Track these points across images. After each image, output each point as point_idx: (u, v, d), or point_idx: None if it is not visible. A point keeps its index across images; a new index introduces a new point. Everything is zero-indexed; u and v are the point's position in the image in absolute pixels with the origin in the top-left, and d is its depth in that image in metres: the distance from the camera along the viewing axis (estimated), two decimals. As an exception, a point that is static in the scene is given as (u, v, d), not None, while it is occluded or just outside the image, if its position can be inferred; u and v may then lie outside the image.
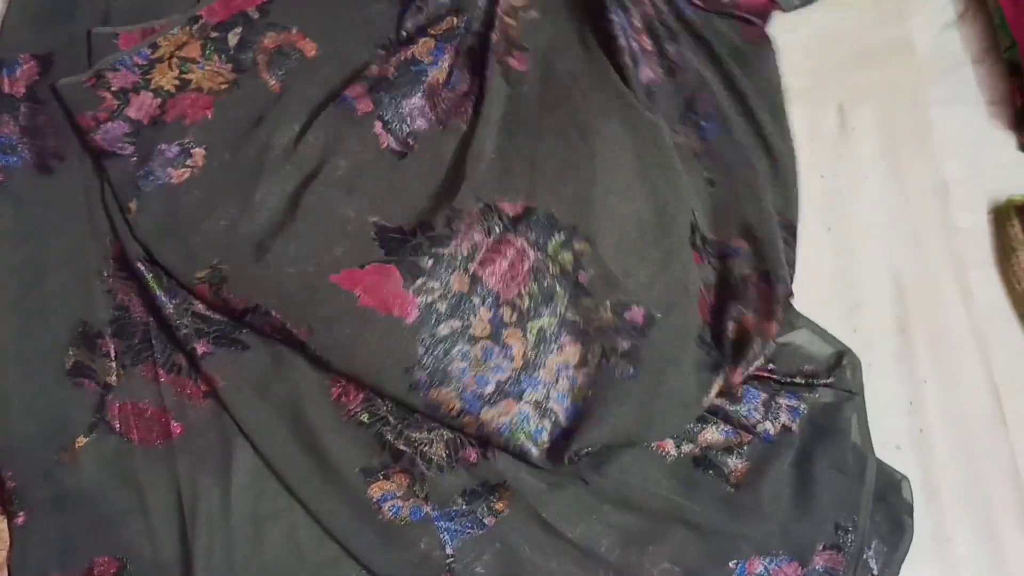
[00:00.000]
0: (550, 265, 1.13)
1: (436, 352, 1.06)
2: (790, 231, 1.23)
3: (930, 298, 1.29)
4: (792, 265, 1.20)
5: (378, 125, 1.18)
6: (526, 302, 1.11)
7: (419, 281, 1.08)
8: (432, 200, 1.15)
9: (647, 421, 1.07)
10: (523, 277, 1.12)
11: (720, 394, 1.12)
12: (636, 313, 1.12)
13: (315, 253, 1.10)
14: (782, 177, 1.25)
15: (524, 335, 1.10)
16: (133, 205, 1.11)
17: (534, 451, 1.06)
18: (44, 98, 1.17)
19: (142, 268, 1.09)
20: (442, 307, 1.08)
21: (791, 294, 1.16)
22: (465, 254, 1.11)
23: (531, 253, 1.12)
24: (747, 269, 1.17)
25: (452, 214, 1.12)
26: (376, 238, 1.12)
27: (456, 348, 1.07)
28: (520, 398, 1.07)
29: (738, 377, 1.11)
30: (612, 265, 1.13)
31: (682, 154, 1.22)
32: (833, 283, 1.29)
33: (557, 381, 1.09)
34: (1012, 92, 1.43)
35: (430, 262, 1.09)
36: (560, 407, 1.08)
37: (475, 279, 1.11)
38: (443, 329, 1.08)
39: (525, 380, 1.08)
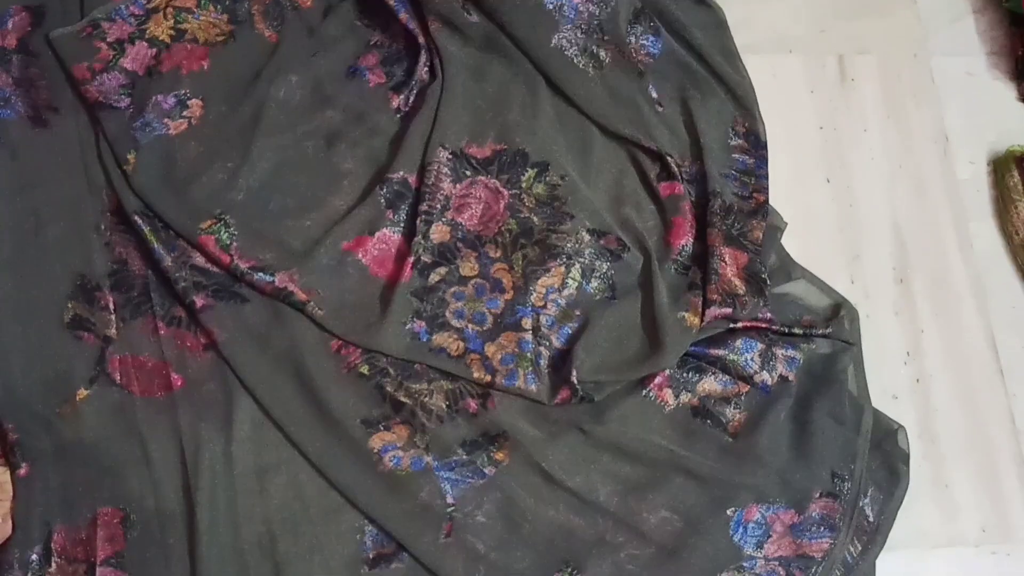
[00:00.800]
0: (525, 198, 1.15)
1: (431, 300, 1.09)
2: (753, 141, 1.25)
3: (929, 248, 1.30)
4: (765, 178, 1.23)
5: (391, 93, 1.19)
6: (507, 237, 1.14)
7: (414, 240, 1.10)
8: (421, 151, 1.16)
9: (633, 340, 1.11)
10: (500, 215, 1.15)
11: (716, 344, 1.13)
12: (610, 240, 1.15)
13: (315, 205, 1.11)
14: (733, 93, 1.27)
15: (511, 268, 1.12)
16: (132, 157, 1.10)
17: (534, 387, 1.07)
18: (37, 50, 1.16)
19: (140, 221, 1.09)
20: (427, 259, 1.10)
21: (764, 206, 1.21)
22: (439, 207, 1.12)
23: (504, 191, 1.15)
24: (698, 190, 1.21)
25: (425, 167, 1.14)
26: (375, 189, 1.13)
27: (450, 290, 1.10)
28: (517, 327, 1.09)
29: (712, 293, 1.12)
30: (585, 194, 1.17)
31: (628, 75, 1.23)
32: (833, 234, 1.30)
33: (545, 305, 1.11)
34: (1013, 43, 1.42)
35: (419, 221, 1.11)
36: (552, 331, 1.10)
37: (455, 226, 1.13)
38: (433, 277, 1.10)
39: (520, 309, 1.10)
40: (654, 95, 1.25)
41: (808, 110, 1.35)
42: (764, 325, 1.15)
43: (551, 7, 1.20)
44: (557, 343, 1.10)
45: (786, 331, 1.16)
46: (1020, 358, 1.25)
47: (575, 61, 1.21)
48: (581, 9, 1.21)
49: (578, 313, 1.12)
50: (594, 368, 1.08)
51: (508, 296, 1.11)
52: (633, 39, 1.24)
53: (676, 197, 1.19)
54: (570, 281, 1.12)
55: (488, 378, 1.07)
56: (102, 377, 1.06)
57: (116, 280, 1.09)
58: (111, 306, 1.08)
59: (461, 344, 1.08)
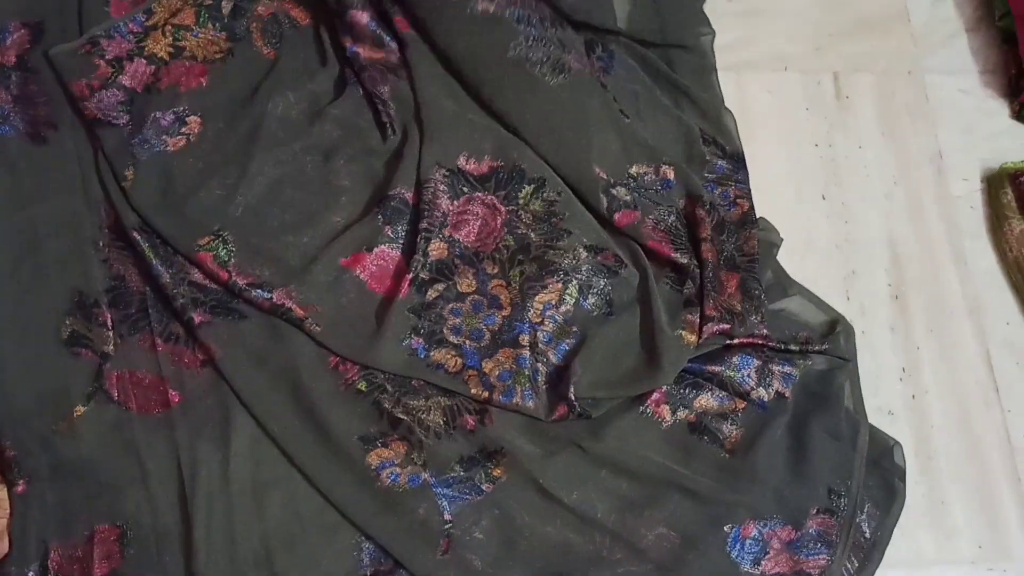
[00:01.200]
0: (522, 215, 1.15)
1: (429, 316, 1.09)
2: (731, 156, 1.26)
3: (925, 266, 1.30)
4: (745, 183, 1.24)
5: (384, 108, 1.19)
6: (505, 253, 1.14)
7: (413, 258, 1.10)
8: (417, 168, 1.16)
9: (631, 357, 1.11)
10: (498, 232, 1.15)
11: (713, 360, 1.14)
12: (607, 256, 1.15)
13: (313, 221, 1.12)
14: (704, 112, 1.29)
15: (508, 284, 1.12)
16: (130, 173, 1.10)
17: (531, 403, 1.07)
18: (36, 66, 1.16)
19: (138, 237, 1.09)
20: (425, 275, 1.10)
21: (750, 213, 1.22)
22: (437, 224, 1.12)
23: (501, 207, 1.15)
24: (680, 199, 1.21)
25: (422, 184, 1.14)
26: (374, 208, 1.13)
27: (448, 307, 1.10)
28: (515, 344, 1.09)
29: (710, 309, 1.12)
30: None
31: (593, 84, 1.21)
32: (828, 251, 1.30)
33: (543, 322, 1.11)
34: (1006, 61, 1.43)
35: (419, 239, 1.11)
36: (549, 348, 1.11)
37: (452, 242, 1.13)
38: (431, 294, 1.10)
39: (517, 325, 1.10)
40: (618, 106, 1.23)
41: (804, 128, 1.36)
42: (760, 341, 1.15)
43: (507, 16, 1.14)
44: (554, 359, 1.10)
45: (782, 347, 1.16)
46: (1015, 375, 1.26)
47: (536, 72, 1.15)
48: (535, 22, 1.16)
49: (575, 329, 1.12)
50: (591, 384, 1.08)
51: (506, 312, 1.11)
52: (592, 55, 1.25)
53: (633, 226, 1.18)
54: (567, 297, 1.12)
55: (485, 394, 1.07)
56: (99, 394, 1.05)
57: (114, 296, 1.09)
58: (109, 322, 1.08)
59: (459, 360, 1.08)
